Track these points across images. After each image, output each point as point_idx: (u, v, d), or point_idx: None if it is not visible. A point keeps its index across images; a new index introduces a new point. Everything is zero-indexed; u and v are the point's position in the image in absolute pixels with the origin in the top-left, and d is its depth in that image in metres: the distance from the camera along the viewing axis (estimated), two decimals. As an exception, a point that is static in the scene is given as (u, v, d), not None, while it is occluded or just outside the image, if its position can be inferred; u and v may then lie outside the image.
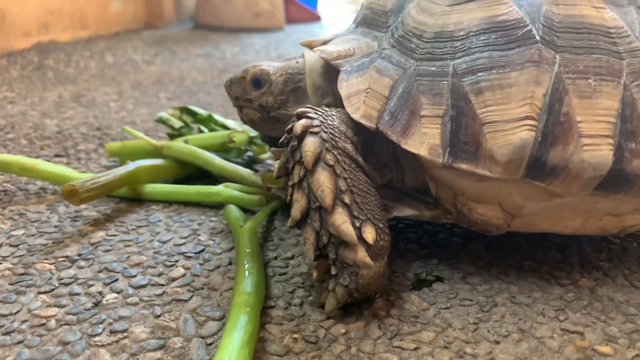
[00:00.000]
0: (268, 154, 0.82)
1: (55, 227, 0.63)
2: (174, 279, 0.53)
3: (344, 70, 0.54)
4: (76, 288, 0.51)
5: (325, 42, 0.63)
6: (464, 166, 0.46)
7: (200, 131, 0.84)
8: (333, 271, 0.47)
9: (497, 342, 0.45)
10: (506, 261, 0.58)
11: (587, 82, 0.47)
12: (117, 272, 0.54)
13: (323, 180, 0.45)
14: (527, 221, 0.53)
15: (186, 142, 0.75)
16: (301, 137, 0.47)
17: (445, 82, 0.48)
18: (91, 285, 0.51)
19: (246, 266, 0.49)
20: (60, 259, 0.56)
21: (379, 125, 0.49)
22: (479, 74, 0.47)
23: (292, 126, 0.48)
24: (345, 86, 0.52)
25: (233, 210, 0.62)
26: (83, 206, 0.68)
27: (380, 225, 0.47)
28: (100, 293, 0.50)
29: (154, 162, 0.71)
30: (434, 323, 0.47)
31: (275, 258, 0.57)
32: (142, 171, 0.69)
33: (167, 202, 0.70)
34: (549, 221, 0.53)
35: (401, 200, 0.55)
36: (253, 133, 0.78)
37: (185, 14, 3.42)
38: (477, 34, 0.49)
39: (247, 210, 0.66)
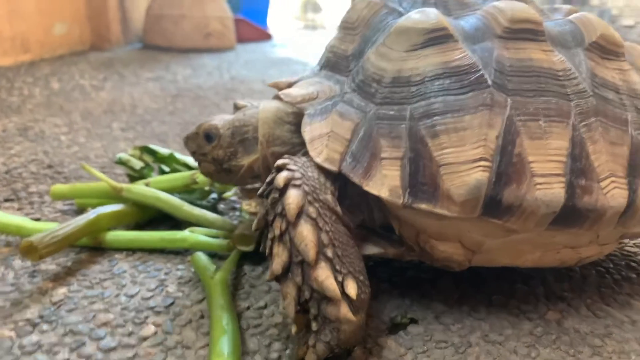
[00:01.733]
0: (232, 191, 0.81)
1: (12, 285, 0.60)
2: (145, 338, 0.51)
3: (307, 113, 0.55)
4: (40, 357, 0.48)
5: (290, 84, 0.63)
6: (423, 206, 0.48)
7: (162, 170, 0.82)
8: (314, 327, 0.46)
9: (476, 387, 0.46)
10: (475, 297, 0.59)
11: (537, 124, 0.49)
12: (84, 335, 0.51)
13: (306, 234, 0.45)
14: (488, 256, 0.55)
15: (147, 184, 0.73)
16: (283, 190, 0.47)
17: (403, 125, 0.50)
18: (57, 353, 0.49)
19: (222, 323, 0.48)
20: (20, 323, 0.53)
21: (342, 168, 0.50)
22: (435, 118, 0.49)
23: (273, 178, 0.48)
24: (309, 130, 0.53)
25: (201, 259, 0.61)
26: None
27: (361, 277, 0.47)
28: (67, 360, 0.48)
29: (115, 208, 0.69)
30: (412, 370, 0.48)
31: (248, 308, 0.56)
32: (104, 219, 0.67)
33: (130, 250, 0.68)
34: (508, 256, 0.56)
35: (367, 239, 0.56)
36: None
37: (132, 35, 3.35)
38: (432, 79, 0.51)
39: (214, 255, 0.65)
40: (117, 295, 0.58)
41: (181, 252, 0.68)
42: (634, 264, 0.68)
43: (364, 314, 0.48)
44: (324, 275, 0.44)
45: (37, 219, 0.77)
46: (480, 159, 0.47)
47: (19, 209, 0.80)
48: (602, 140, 0.51)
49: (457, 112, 0.49)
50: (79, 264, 0.65)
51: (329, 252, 0.46)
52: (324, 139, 0.52)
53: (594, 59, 0.55)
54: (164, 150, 0.82)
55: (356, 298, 0.45)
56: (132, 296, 0.58)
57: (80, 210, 0.79)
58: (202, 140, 0.63)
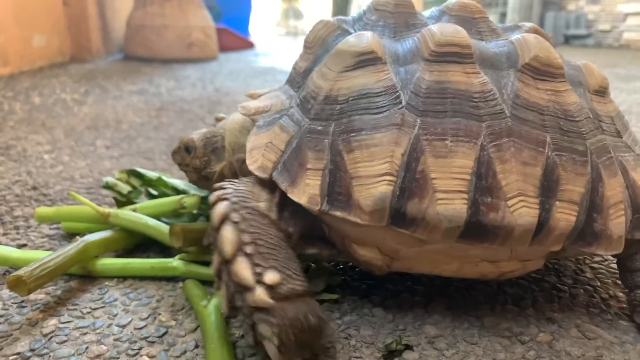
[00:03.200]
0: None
1: (1, 316, 0.59)
2: (139, 371, 0.51)
3: (257, 125, 0.61)
4: (34, 394, 0.47)
5: (259, 96, 0.68)
6: (338, 213, 0.52)
7: (149, 194, 0.82)
8: (247, 321, 0.49)
9: (472, 415, 0.46)
10: (468, 319, 0.60)
11: (443, 143, 0.52)
12: (77, 369, 0.51)
13: (226, 234, 0.50)
14: (406, 263, 0.58)
15: (135, 210, 0.73)
16: (214, 204, 0.53)
17: (327, 140, 0.54)
18: (50, 389, 0.48)
19: (217, 356, 0.48)
20: (11, 358, 0.52)
21: (273, 176, 0.55)
22: (352, 134, 0.53)
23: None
24: (252, 140, 0.59)
25: (193, 287, 0.60)
26: (29, 288, 0.63)
27: (288, 272, 0.50)
28: (60, 396, 0.47)
29: (103, 235, 0.68)
30: (409, 399, 0.48)
31: (242, 337, 0.56)
32: (92, 247, 0.66)
33: (121, 277, 0.67)
34: (426, 264, 0.58)
35: (308, 242, 0.60)
36: (203, 193, 0.77)
37: (113, 46, 3.32)
38: (356, 98, 0.55)
39: (207, 282, 0.65)
40: (109, 326, 0.57)
41: (173, 278, 0.67)
42: (620, 282, 0.70)
43: (306, 307, 0.49)
44: (240, 268, 0.49)
45: (24, 245, 0.76)
46: (386, 174, 0.51)
47: (4, 234, 0.79)
48: (513, 160, 0.52)
49: (370, 130, 0.53)
50: (69, 292, 0.64)
51: (249, 249, 0.50)
52: (262, 149, 0.57)
53: (524, 80, 0.56)
54: (151, 174, 0.82)
55: (277, 286, 0.48)
56: (124, 326, 0.57)
57: (68, 235, 0.78)
58: (183, 153, 0.73)
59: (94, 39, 3.01)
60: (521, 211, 0.51)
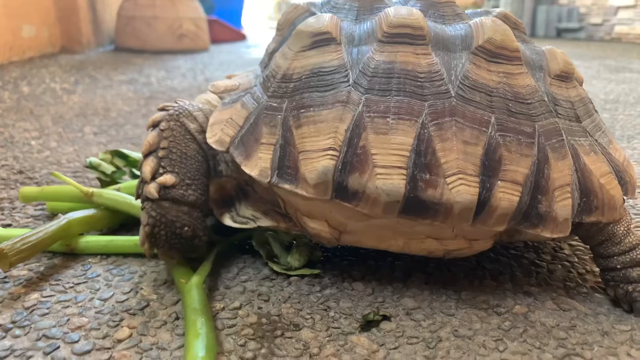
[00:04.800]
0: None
1: (-17, 291, 0.59)
2: (120, 341, 0.51)
3: (223, 102, 0.64)
4: (14, 362, 0.48)
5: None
6: (287, 186, 0.54)
7: (133, 174, 0.82)
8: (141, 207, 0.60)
9: (445, 380, 0.47)
10: (446, 293, 0.61)
11: (385, 121, 0.53)
12: (58, 339, 0.51)
13: (149, 139, 0.60)
14: (354, 237, 0.60)
15: (118, 189, 0.73)
16: (155, 120, 0.62)
17: (279, 116, 0.56)
18: (30, 357, 0.48)
19: (196, 326, 0.49)
20: (-8, 329, 0.52)
21: (230, 149, 0.58)
22: (301, 111, 0.55)
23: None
24: (215, 115, 0.62)
25: (176, 264, 0.61)
26: (12, 265, 0.64)
27: (189, 182, 0.60)
28: (40, 365, 0.48)
29: (86, 213, 0.69)
30: (384, 366, 0.49)
31: (223, 309, 0.57)
32: (75, 224, 0.66)
33: (104, 254, 0.68)
34: (373, 239, 0.60)
35: (267, 214, 0.63)
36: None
37: (104, 37, 3.30)
38: (308, 77, 0.57)
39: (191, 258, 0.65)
40: (91, 299, 0.58)
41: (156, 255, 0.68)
42: (597, 258, 0.71)
43: (195, 214, 0.61)
44: (146, 164, 0.59)
45: (8, 225, 0.76)
46: (329, 149, 0.53)
47: (-11, 215, 0.79)
48: (453, 138, 0.53)
49: (318, 107, 0.55)
50: (52, 269, 0.64)
51: (161, 153, 0.60)
52: (222, 124, 0.60)
53: (476, 62, 0.56)
54: (135, 154, 0.82)
55: (169, 187, 0.59)
56: (106, 300, 0.58)
57: (52, 215, 0.79)
58: None
59: (84, 30, 2.99)
60: (459, 189, 0.52)
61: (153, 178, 0.59)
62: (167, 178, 0.58)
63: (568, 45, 4.91)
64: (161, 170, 0.59)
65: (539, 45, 0.65)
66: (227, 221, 0.64)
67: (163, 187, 0.58)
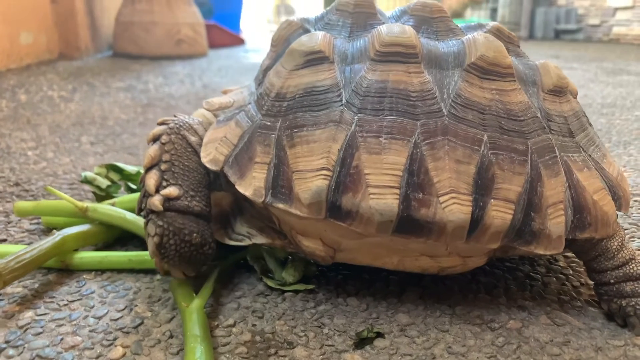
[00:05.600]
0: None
1: (-23, 309, 0.59)
2: (113, 361, 0.51)
3: (217, 119, 0.63)
4: (7, 384, 0.48)
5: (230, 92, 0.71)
6: (281, 206, 0.54)
7: (128, 188, 0.82)
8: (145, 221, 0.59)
9: (438, 400, 0.47)
10: (440, 308, 0.61)
11: (377, 140, 0.53)
12: (51, 359, 0.51)
13: (151, 152, 0.60)
14: (349, 255, 0.60)
15: (113, 204, 0.73)
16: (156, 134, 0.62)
17: (273, 135, 0.56)
18: (23, 379, 0.49)
19: (195, 354, 0.48)
20: (-15, 350, 0.52)
21: (224, 168, 0.58)
22: (295, 130, 0.55)
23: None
24: (209, 134, 0.62)
25: (178, 285, 0.60)
26: (7, 282, 0.64)
27: (192, 193, 0.59)
28: (33, 386, 0.48)
29: (81, 229, 0.69)
30: (378, 385, 0.49)
31: (217, 326, 0.57)
32: (70, 240, 0.66)
33: (99, 270, 0.68)
34: (368, 257, 0.60)
35: (263, 231, 0.63)
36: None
37: (102, 43, 3.31)
38: (302, 96, 0.57)
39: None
40: (85, 317, 0.58)
41: (151, 271, 0.68)
42: (592, 270, 0.71)
43: (199, 225, 0.59)
44: (149, 177, 0.59)
45: (3, 240, 0.76)
46: (323, 169, 0.53)
47: (-16, 229, 0.79)
48: (446, 157, 0.53)
49: (311, 126, 0.55)
50: (46, 285, 0.64)
51: (164, 166, 0.59)
52: (217, 143, 0.60)
53: (469, 80, 0.56)
54: (130, 168, 0.82)
55: (173, 198, 0.58)
56: (100, 317, 0.58)
57: (48, 230, 0.79)
58: None
59: (82, 36, 2.99)
60: (452, 207, 0.52)
61: (157, 191, 0.58)
62: (172, 190, 0.58)
63: (566, 46, 4.91)
64: (164, 183, 0.59)
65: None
66: (222, 238, 0.64)
67: (167, 199, 0.58)
